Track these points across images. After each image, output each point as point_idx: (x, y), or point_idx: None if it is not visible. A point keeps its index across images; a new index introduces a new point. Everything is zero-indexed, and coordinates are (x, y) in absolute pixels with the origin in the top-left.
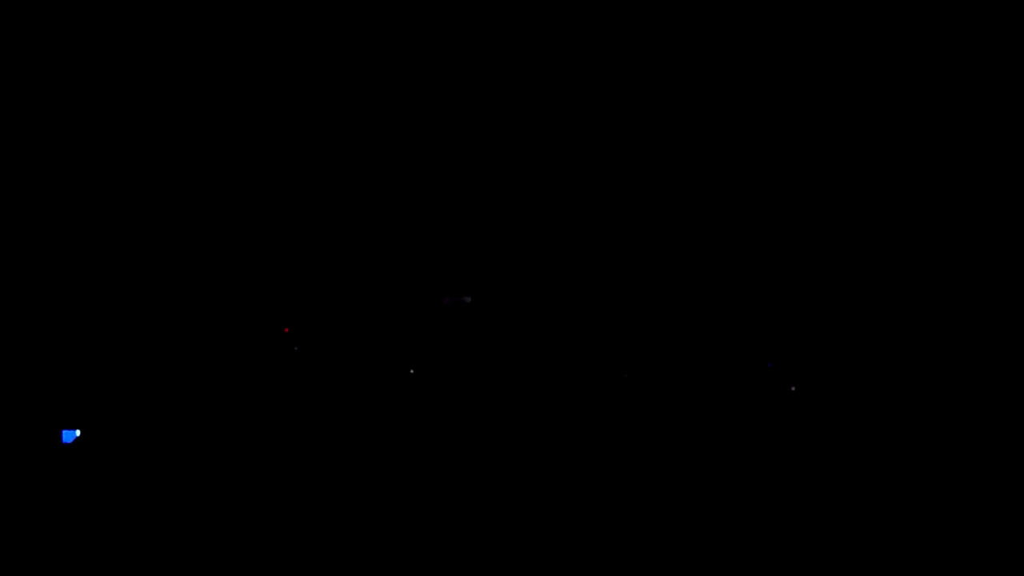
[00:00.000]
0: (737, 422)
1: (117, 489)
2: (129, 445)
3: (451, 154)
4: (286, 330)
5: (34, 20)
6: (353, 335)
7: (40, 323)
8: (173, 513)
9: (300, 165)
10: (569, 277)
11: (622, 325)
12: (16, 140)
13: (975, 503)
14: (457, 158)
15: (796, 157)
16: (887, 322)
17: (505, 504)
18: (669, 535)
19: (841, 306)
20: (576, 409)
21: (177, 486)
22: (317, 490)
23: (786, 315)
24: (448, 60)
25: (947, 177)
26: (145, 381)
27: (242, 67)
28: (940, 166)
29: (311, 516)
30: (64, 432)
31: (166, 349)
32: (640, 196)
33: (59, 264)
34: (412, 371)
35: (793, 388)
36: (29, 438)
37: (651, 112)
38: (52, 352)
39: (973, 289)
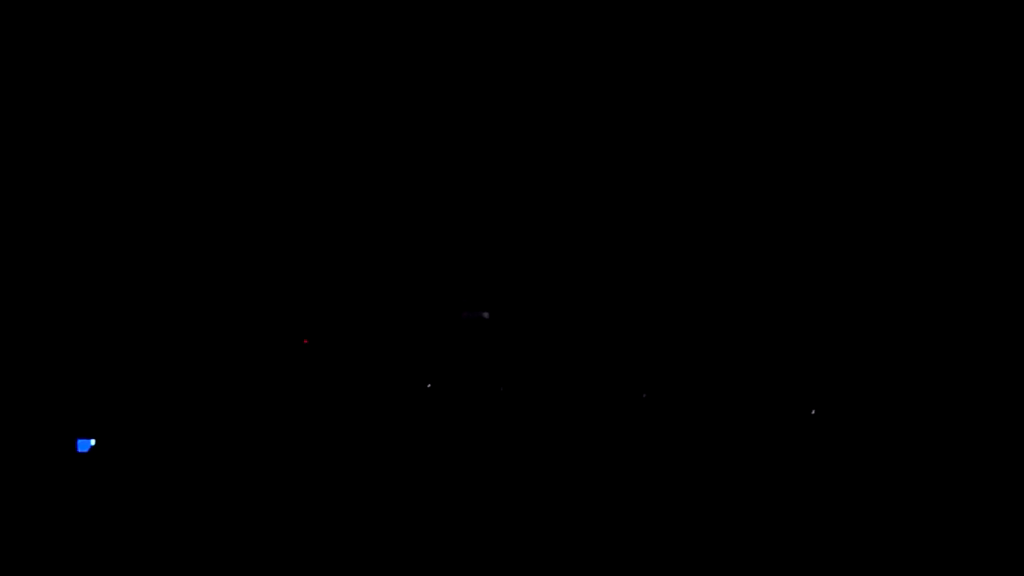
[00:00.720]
0: (747, 438)
1: (132, 495)
2: (148, 454)
3: (475, 172)
4: (305, 341)
5: (34, 20)
6: (372, 349)
7: (71, 337)
8: (187, 521)
9: (327, 180)
10: (587, 294)
11: (640, 342)
12: (24, 142)
13: (975, 518)
14: (481, 176)
15: (800, 175)
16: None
17: (519, 517)
18: (680, 548)
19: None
20: (593, 425)
21: (193, 495)
22: (333, 501)
23: (800, 331)
24: (474, 78)
25: (945, 183)
26: (166, 391)
27: (276, 86)
28: (938, 172)
29: (327, 527)
30: (80, 441)
31: (189, 359)
32: (664, 214)
33: (92, 276)
34: (429, 385)
35: (813, 412)
36: (48, 441)
37: (676, 127)
38: (73, 362)
39: (972, 299)
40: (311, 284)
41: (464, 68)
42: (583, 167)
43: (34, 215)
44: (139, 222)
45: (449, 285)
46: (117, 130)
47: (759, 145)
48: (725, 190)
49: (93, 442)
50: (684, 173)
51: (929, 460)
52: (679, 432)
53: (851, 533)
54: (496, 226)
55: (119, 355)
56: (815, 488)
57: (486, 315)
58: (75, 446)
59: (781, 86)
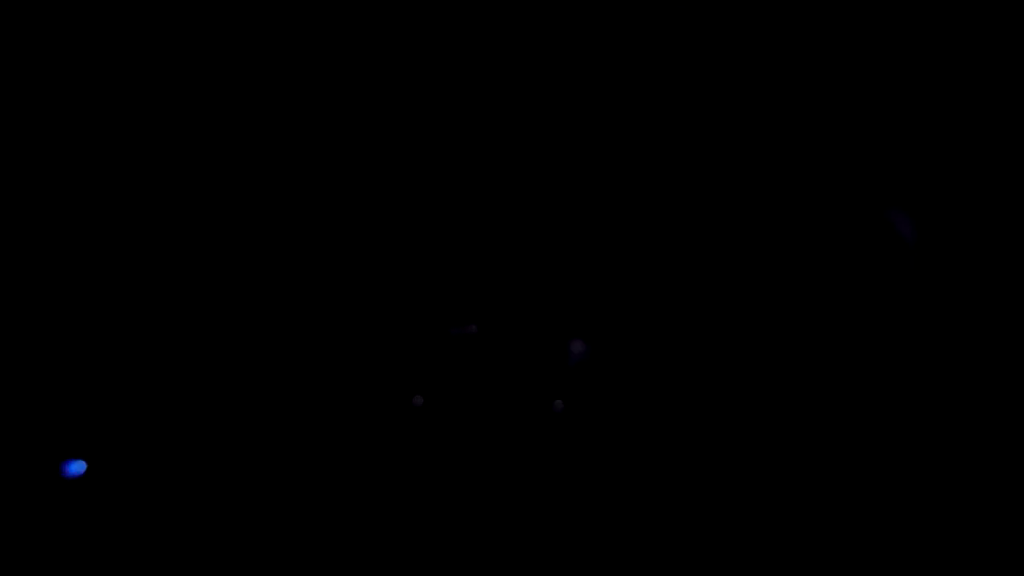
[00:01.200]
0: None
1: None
2: (133, 472)
3: (462, 186)
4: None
5: (34, 20)
6: (360, 364)
7: (77, 350)
8: (174, 537)
9: (311, 195)
10: (575, 307)
11: (630, 354)
12: (19, 140)
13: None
14: (468, 190)
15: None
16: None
17: (508, 529)
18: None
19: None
20: (583, 436)
21: (180, 512)
22: (322, 516)
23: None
24: (459, 97)
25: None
26: (153, 405)
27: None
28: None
29: (316, 541)
30: (71, 464)
31: (176, 374)
32: (650, 228)
33: (102, 290)
34: (420, 399)
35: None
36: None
37: (665, 141)
38: (72, 372)
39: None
40: (298, 300)
41: (450, 87)
42: (568, 182)
43: (32, 215)
44: (120, 241)
45: (437, 300)
46: (116, 132)
47: (745, 158)
48: (715, 207)
49: (84, 465)
50: (671, 188)
51: (927, 461)
52: (670, 444)
53: (850, 533)
54: (484, 241)
55: (100, 375)
56: (811, 492)
57: (474, 329)
58: (69, 451)
59: (780, 86)
